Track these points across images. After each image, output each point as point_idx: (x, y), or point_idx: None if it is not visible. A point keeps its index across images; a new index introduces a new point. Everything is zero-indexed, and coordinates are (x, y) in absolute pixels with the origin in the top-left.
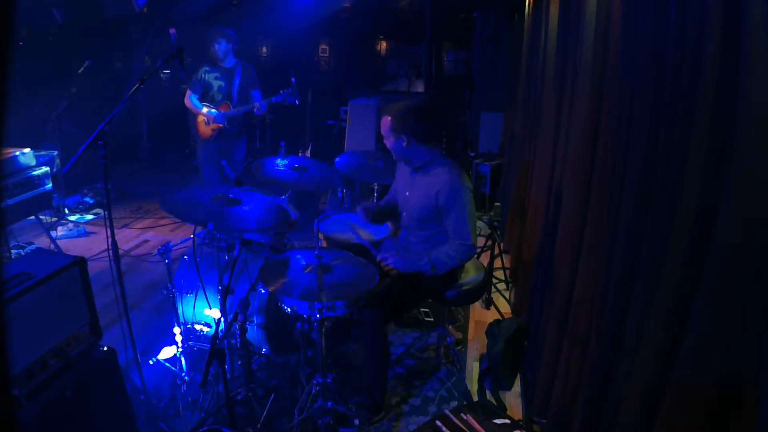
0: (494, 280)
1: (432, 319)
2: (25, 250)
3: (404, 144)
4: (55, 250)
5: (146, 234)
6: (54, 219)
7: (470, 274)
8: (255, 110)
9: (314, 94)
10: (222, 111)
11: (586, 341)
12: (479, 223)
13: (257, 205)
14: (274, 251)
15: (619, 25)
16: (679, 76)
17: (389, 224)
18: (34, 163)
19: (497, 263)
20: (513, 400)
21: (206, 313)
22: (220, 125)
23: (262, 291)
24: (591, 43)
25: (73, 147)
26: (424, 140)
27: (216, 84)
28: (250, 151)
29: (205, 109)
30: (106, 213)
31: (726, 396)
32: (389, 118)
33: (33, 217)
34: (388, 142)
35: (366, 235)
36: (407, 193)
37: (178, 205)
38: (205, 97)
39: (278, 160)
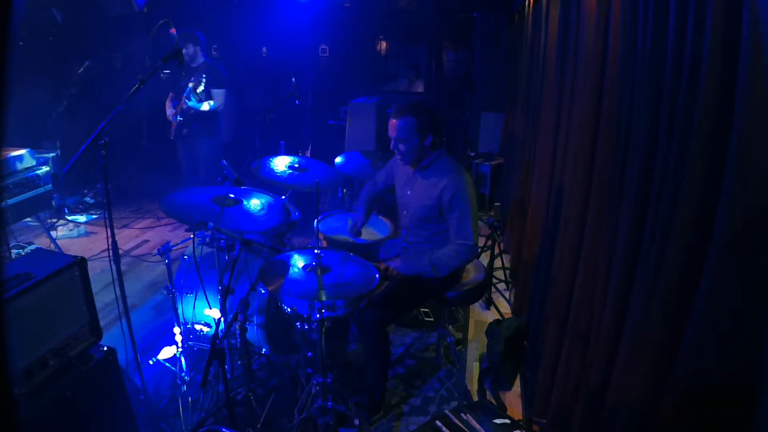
0: (494, 280)
1: (432, 319)
2: (25, 250)
3: (428, 142)
4: (55, 250)
5: (146, 234)
6: (54, 219)
7: (470, 274)
8: (183, 105)
9: (314, 94)
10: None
11: (586, 341)
12: (479, 223)
13: (257, 205)
14: (274, 251)
15: (619, 25)
16: (679, 75)
17: (389, 224)
18: (33, 163)
19: (497, 263)
20: (513, 400)
21: (206, 313)
22: (175, 121)
23: (262, 291)
24: (591, 43)
25: (73, 147)
26: (438, 137)
27: (182, 84)
28: (251, 153)
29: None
30: (106, 213)
31: (726, 396)
32: (412, 117)
33: (33, 217)
34: (406, 145)
35: (367, 234)
36: (408, 192)
37: (178, 207)
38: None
39: (278, 160)
